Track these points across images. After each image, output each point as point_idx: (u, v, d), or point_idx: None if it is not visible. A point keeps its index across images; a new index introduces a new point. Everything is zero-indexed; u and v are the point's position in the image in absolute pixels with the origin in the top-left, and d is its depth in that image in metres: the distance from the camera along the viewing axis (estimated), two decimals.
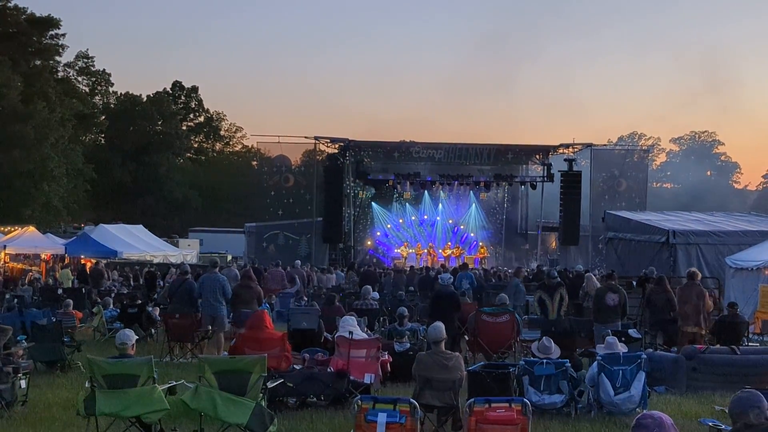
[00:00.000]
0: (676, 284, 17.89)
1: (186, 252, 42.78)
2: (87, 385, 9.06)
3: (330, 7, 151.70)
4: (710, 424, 7.80)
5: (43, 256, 36.00)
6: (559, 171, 42.96)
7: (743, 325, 16.18)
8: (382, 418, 7.21)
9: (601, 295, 15.63)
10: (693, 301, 15.03)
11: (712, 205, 56.18)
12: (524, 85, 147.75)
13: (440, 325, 9.56)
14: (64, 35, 54.88)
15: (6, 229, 36.23)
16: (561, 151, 44.73)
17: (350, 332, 11.76)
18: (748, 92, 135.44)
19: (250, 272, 18.39)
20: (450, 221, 47.72)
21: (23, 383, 11.12)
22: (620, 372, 10.70)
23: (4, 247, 33.29)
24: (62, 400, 11.46)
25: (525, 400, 7.75)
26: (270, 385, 9.43)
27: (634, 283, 22.09)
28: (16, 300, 20.98)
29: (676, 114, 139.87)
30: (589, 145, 45.99)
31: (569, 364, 10.94)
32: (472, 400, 7.67)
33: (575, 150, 44.96)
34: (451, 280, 17.84)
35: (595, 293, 16.13)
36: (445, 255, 44.65)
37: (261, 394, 8.82)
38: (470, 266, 30.30)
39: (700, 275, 15.99)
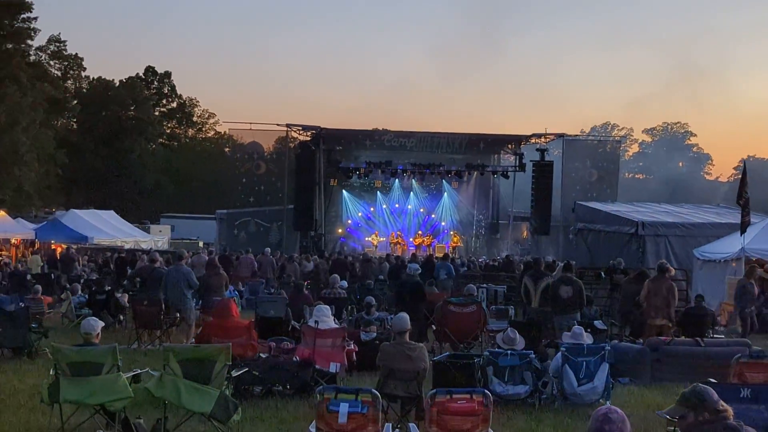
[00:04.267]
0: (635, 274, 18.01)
1: (157, 238, 42.59)
2: (51, 372, 9.06)
3: None
4: (668, 417, 7.85)
5: (13, 240, 35.69)
6: (531, 161, 43.01)
7: (709, 317, 16.32)
8: (343, 408, 7.24)
9: (555, 287, 15.50)
10: (663, 294, 15.11)
11: (684, 197, 56.65)
12: (498, 74, 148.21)
13: (405, 316, 9.60)
14: (36, 19, 54.23)
15: None
16: (533, 140, 44.79)
17: (316, 321, 11.79)
18: (721, 84, 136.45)
19: (215, 260, 18.46)
20: (422, 210, 47.75)
21: None
22: (584, 363, 10.78)
23: None
24: (28, 387, 11.41)
25: (486, 391, 7.81)
26: (235, 373, 9.47)
27: (603, 273, 22.23)
28: None
29: (650, 105, 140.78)
30: (562, 135, 46.12)
31: (533, 355, 11.04)
32: (434, 390, 7.73)
33: (548, 140, 45.05)
34: (419, 270, 17.84)
35: (551, 285, 15.83)
36: (416, 243, 44.71)
37: (225, 383, 8.86)
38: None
39: (673, 270, 16.06)
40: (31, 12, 53.73)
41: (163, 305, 16.18)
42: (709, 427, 5.08)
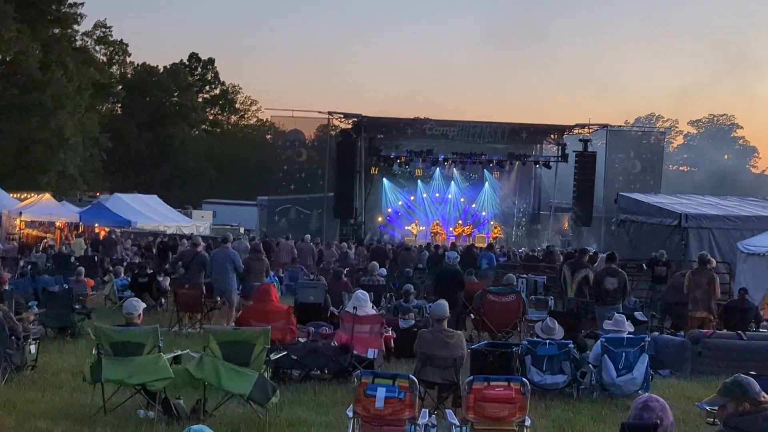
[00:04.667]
0: (687, 268, 17.80)
1: (199, 223, 42.83)
2: (94, 352, 9.19)
3: None
4: (708, 408, 7.76)
5: (57, 223, 36.17)
6: (573, 151, 42.79)
7: (752, 310, 16.08)
8: (380, 392, 7.26)
9: (600, 278, 15.31)
10: (704, 287, 14.95)
11: (730, 190, 55.89)
12: (541, 63, 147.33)
13: (444, 303, 9.60)
14: (82, 4, 54.61)
15: (22, 196, 36.43)
16: (576, 131, 44.54)
17: (354, 307, 11.83)
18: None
19: (260, 246, 18.59)
20: (462, 199, 47.56)
21: (33, 348, 11.29)
22: (623, 354, 10.73)
23: (20, 213, 33.51)
24: (71, 366, 11.59)
25: (524, 379, 7.79)
26: (273, 357, 9.54)
27: (644, 265, 22.03)
28: (29, 266, 21.22)
29: (696, 96, 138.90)
30: (605, 126, 45.75)
31: (572, 345, 10.99)
32: (471, 377, 7.72)
33: (591, 130, 44.76)
34: (458, 258, 17.81)
35: (595, 276, 15.74)
36: (455, 233, 44.57)
37: (264, 366, 8.94)
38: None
39: (714, 262, 15.85)
40: None
41: (204, 289, 16.35)
42: (749, 419, 5.01)
